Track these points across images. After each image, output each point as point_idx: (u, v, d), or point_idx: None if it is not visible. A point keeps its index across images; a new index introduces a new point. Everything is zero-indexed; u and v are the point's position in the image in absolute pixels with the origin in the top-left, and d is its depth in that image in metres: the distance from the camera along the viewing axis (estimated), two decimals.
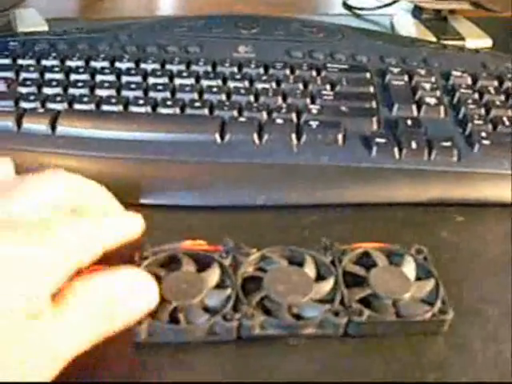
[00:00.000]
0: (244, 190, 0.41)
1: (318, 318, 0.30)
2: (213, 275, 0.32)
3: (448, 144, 0.42)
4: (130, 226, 0.31)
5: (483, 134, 0.43)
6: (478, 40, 0.65)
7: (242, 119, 0.43)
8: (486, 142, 0.42)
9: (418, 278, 0.33)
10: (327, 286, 0.32)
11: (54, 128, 0.42)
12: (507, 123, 0.44)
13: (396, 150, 0.41)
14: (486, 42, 0.65)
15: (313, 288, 0.31)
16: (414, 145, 0.41)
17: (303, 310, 0.31)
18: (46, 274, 0.25)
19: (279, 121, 0.43)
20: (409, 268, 0.33)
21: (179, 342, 0.30)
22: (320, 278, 0.32)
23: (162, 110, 0.44)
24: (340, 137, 0.42)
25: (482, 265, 0.36)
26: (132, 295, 0.28)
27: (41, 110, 0.43)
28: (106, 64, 0.49)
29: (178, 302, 0.30)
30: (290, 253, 0.33)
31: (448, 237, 0.38)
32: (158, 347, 0.30)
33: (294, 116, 0.44)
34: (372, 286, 0.31)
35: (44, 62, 0.49)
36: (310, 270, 0.32)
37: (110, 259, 0.29)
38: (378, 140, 0.42)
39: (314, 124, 0.43)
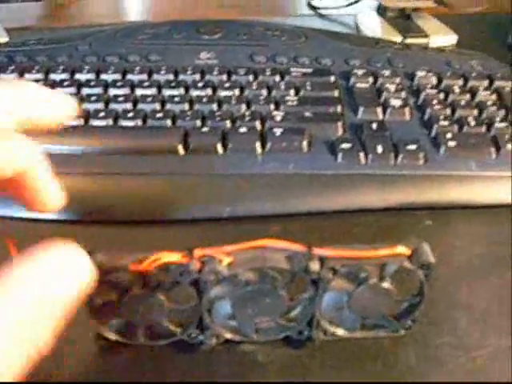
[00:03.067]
0: (209, 202, 0.40)
1: (281, 335, 0.31)
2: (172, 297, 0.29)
3: (414, 147, 0.41)
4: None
5: (449, 135, 0.42)
6: (443, 37, 0.65)
7: (205, 129, 0.42)
8: (451, 143, 0.42)
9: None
10: (298, 309, 0.30)
11: None
12: (472, 123, 0.43)
13: (362, 155, 0.41)
14: (451, 39, 0.64)
15: (284, 311, 0.30)
16: (379, 149, 0.41)
17: (268, 327, 0.31)
18: None
19: (243, 129, 0.42)
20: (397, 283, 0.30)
21: None
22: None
23: (124, 123, 0.43)
24: (305, 144, 0.41)
25: (450, 269, 0.36)
26: (64, 276, 0.22)
27: None
28: (65, 76, 0.48)
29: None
30: (262, 273, 0.29)
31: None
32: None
33: (257, 124, 0.43)
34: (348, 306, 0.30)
35: (2, 76, 0.48)
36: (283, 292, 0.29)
37: None
38: (344, 146, 0.41)
39: (278, 131, 0.42)
